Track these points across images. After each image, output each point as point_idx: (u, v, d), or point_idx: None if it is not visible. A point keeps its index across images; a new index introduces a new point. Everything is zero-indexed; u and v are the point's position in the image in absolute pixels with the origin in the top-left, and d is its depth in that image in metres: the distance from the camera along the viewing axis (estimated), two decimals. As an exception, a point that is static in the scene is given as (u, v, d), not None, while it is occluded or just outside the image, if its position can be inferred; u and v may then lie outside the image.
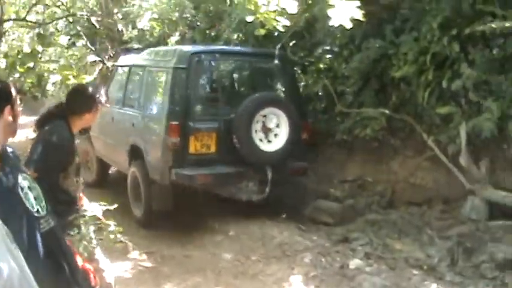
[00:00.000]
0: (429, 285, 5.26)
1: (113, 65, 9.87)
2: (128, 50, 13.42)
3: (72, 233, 3.49)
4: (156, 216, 7.57)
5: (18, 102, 2.69)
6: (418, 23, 7.05)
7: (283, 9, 4.87)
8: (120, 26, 14.22)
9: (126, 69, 8.77)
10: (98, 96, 3.89)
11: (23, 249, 2.49)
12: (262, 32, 5.56)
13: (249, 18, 5.26)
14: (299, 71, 8.81)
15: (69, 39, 15.20)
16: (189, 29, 11.31)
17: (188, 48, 7.95)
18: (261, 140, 7.10)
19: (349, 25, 4.66)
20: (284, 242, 6.61)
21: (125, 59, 9.37)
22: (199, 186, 7.33)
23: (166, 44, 11.91)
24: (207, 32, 10.87)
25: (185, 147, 7.02)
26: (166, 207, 7.54)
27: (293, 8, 4.79)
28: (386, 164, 7.57)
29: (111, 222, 3.80)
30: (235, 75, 8.03)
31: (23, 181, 2.59)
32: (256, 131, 7.06)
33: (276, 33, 9.07)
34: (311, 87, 8.41)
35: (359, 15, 4.57)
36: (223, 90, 7.70)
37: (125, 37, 14.05)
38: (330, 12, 4.54)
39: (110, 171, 9.96)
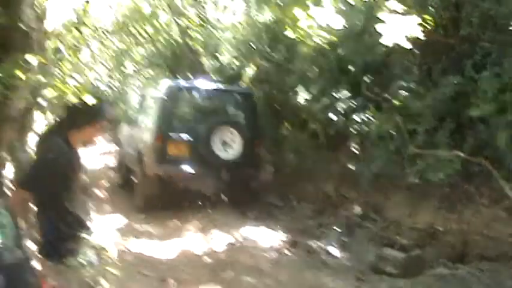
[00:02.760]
0: None
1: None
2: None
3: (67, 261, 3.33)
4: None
5: None
6: (500, 58, 6.34)
7: (328, 25, 4.35)
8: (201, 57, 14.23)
9: (141, 100, 12.30)
10: (98, 110, 3.61)
11: None
12: (306, 50, 5.10)
13: (290, 34, 4.80)
14: (373, 108, 8.20)
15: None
16: (264, 60, 10.98)
17: (173, 83, 10.99)
18: (220, 149, 9.75)
19: (406, 44, 4.06)
20: (337, 292, 6.00)
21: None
22: (172, 180, 10.05)
23: (241, 76, 11.71)
24: (283, 64, 10.48)
25: (165, 150, 9.87)
26: (154, 195, 10.05)
27: (338, 23, 4.27)
28: (459, 212, 6.78)
29: (111, 256, 3.52)
30: (206, 104, 10.63)
31: None
32: (215, 143, 9.73)
33: (349, 67, 8.67)
34: (383, 126, 7.77)
35: (418, 32, 3.97)
36: (196, 113, 10.43)
37: (206, 68, 14.02)
38: (379, 27, 3.97)
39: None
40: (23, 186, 3.37)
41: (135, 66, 15.55)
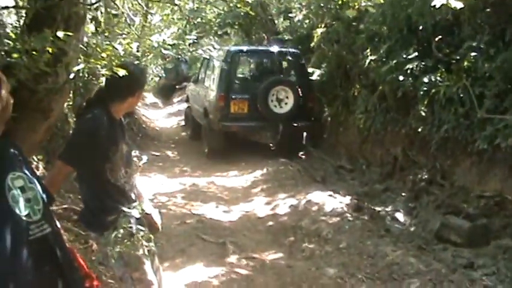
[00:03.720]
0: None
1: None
2: (281, 41, 13.22)
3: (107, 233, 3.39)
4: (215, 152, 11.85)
5: (8, 88, 2.43)
6: None
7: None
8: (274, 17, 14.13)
9: (206, 61, 13.43)
10: (140, 78, 3.67)
11: (4, 256, 2.23)
12: (351, 13, 4.91)
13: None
14: (443, 69, 7.86)
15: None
16: (333, 20, 10.73)
17: (232, 48, 12.96)
18: (275, 106, 11.22)
19: (458, 5, 3.86)
20: (395, 262, 5.88)
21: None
22: (235, 133, 11.82)
23: (313, 36, 11.52)
24: (353, 24, 10.20)
25: (228, 109, 11.35)
26: (220, 147, 11.72)
27: None
28: (530, 181, 6.46)
29: (143, 229, 3.52)
30: (262, 65, 12.77)
31: (15, 181, 2.33)
32: (272, 100, 11.18)
33: (420, 27, 8.32)
34: (452, 88, 7.45)
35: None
36: (253, 74, 12.62)
37: (278, 28, 13.88)
38: None
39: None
40: (61, 158, 3.42)
41: (207, 27, 15.65)
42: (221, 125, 11.28)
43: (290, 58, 12.21)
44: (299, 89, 11.27)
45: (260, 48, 13.20)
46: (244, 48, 13.11)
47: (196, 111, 13.30)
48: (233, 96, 11.36)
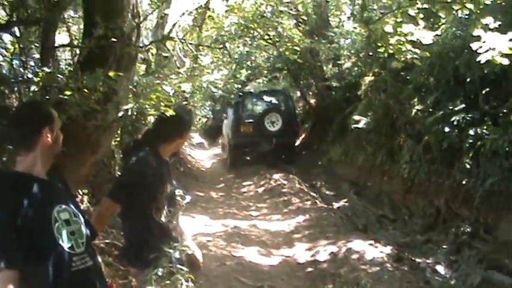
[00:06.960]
0: None
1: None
2: (329, 88, 13.33)
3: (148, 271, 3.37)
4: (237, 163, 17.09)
5: (59, 123, 2.55)
6: None
7: (418, 39, 4.25)
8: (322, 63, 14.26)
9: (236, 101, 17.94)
10: (188, 120, 3.79)
11: (46, 284, 2.32)
12: (397, 65, 4.97)
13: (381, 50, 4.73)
14: (489, 122, 7.82)
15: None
16: (381, 69, 10.78)
17: (242, 91, 18.85)
18: (269, 126, 15.94)
19: (504, 61, 3.90)
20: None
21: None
22: (244, 146, 16.82)
23: (360, 84, 11.58)
24: (401, 74, 10.23)
25: (239, 130, 16.48)
26: (236, 158, 17.07)
27: (428, 39, 4.16)
28: None
29: (185, 268, 3.50)
30: (262, 101, 17.70)
31: (61, 213, 2.45)
32: (267, 123, 15.95)
33: (468, 79, 8.31)
34: (498, 141, 7.40)
35: (514, 48, 3.81)
36: (256, 107, 17.51)
37: (327, 75, 14.02)
38: (473, 45, 3.85)
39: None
40: (110, 196, 3.52)
41: (257, 70, 16.29)
42: (235, 140, 16.65)
43: (280, 96, 17.63)
44: (286, 115, 16.25)
45: (260, 90, 19.57)
46: (249, 90, 19.69)
47: (225, 137, 18.80)
48: (242, 121, 16.58)
